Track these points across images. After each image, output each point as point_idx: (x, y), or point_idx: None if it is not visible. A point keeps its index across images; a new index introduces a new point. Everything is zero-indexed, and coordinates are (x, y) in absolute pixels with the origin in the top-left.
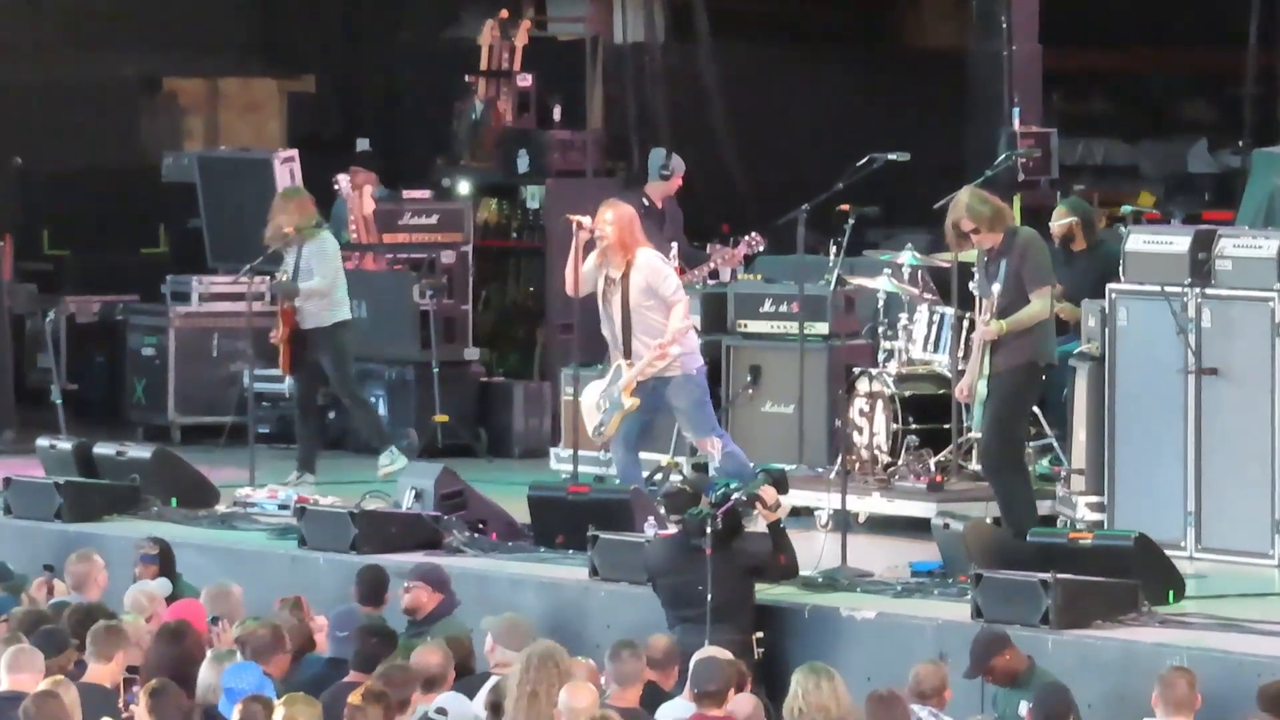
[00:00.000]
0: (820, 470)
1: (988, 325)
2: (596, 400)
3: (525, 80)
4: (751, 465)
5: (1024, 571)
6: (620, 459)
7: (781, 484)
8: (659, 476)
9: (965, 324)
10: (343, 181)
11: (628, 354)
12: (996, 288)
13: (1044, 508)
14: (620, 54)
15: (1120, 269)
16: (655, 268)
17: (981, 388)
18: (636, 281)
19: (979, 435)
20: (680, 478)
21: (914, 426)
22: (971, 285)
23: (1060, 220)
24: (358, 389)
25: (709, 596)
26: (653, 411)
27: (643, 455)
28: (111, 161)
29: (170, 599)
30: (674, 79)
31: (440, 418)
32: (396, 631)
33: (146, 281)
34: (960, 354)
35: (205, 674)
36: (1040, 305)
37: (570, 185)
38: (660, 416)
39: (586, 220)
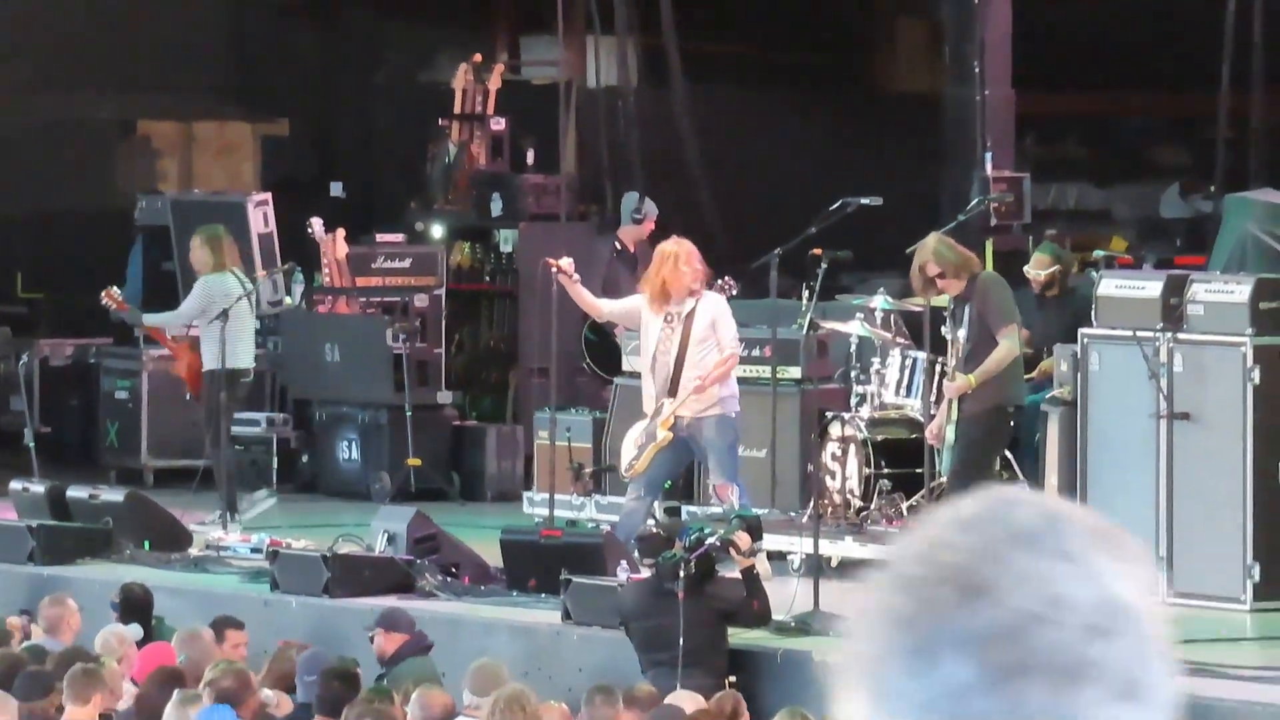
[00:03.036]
0: (793, 514)
1: (953, 381)
2: (636, 437)
3: (499, 124)
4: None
5: None
6: (631, 502)
7: (756, 530)
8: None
9: (938, 369)
10: (316, 225)
11: (674, 391)
12: (962, 334)
13: None
14: (594, 98)
15: (1092, 313)
16: (724, 310)
17: (950, 434)
18: (703, 318)
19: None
20: (654, 522)
21: (886, 471)
22: (944, 330)
23: (1046, 269)
24: (223, 442)
25: (681, 640)
26: (684, 455)
27: (616, 500)
28: (86, 204)
29: (145, 643)
30: (648, 123)
31: (413, 461)
32: (360, 674)
33: (120, 325)
34: (933, 398)
35: (171, 716)
36: (1007, 346)
37: (543, 229)
38: (686, 465)
39: (565, 262)
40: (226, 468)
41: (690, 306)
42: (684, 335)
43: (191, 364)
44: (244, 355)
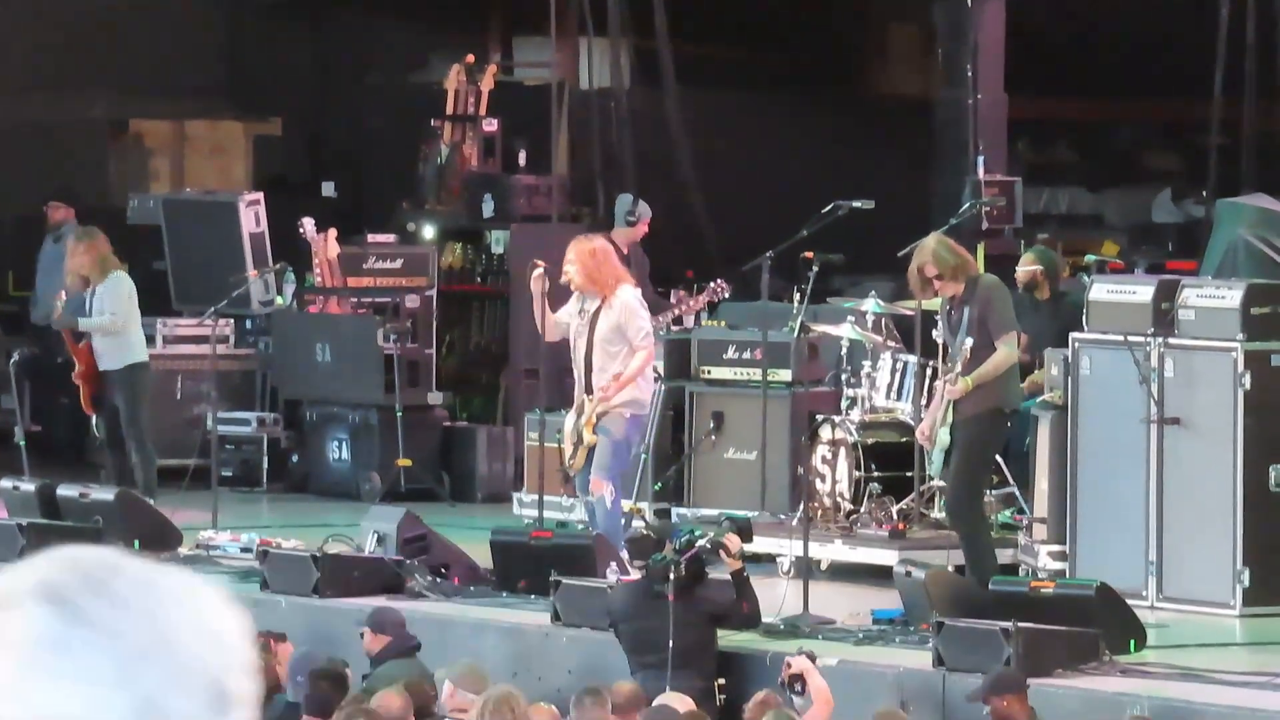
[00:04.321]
0: (782, 517)
1: (953, 384)
2: (570, 430)
3: (491, 125)
4: (676, 522)
5: (985, 620)
6: (588, 504)
7: (746, 533)
8: (622, 522)
9: (928, 372)
10: (307, 225)
11: (589, 389)
12: (968, 341)
13: (1006, 556)
14: (586, 99)
15: (1083, 318)
16: (631, 309)
17: (944, 435)
18: (608, 318)
19: (941, 483)
20: (644, 523)
21: (876, 474)
22: (935, 333)
23: (1026, 267)
24: (147, 435)
25: (671, 643)
26: None
27: None
28: (78, 203)
29: None
30: (640, 125)
31: (403, 462)
32: (348, 675)
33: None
34: (923, 402)
35: None
36: (1005, 353)
37: (535, 230)
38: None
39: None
40: (148, 456)
41: (596, 305)
42: (590, 334)
43: (89, 367)
44: (143, 349)
